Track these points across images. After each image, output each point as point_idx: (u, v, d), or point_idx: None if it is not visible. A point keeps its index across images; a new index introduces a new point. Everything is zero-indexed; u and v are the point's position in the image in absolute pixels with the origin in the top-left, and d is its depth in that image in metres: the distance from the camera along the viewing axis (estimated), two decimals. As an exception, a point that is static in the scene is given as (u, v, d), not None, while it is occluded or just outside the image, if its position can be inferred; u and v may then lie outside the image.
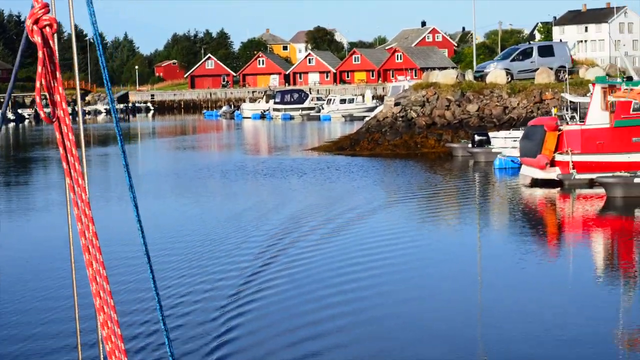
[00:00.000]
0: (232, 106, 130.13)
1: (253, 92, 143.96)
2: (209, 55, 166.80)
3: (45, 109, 3.57)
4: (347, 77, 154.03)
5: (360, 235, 26.27)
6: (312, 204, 32.92)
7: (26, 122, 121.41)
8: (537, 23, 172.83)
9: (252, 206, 32.88)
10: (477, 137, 46.74)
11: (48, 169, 51.83)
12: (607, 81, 37.53)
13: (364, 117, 78.77)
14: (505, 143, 45.14)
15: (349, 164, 47.28)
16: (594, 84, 37.67)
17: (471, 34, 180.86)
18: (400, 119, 54.65)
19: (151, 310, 17.46)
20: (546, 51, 58.60)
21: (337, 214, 30.16)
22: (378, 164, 47.04)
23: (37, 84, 3.37)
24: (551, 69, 56.42)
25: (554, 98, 51.95)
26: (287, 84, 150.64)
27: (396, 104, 56.21)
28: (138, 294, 18.88)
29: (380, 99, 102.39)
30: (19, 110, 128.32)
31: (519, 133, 42.66)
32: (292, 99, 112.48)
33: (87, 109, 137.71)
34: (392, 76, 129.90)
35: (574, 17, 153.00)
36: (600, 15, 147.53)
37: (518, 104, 53.78)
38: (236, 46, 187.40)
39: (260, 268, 21.74)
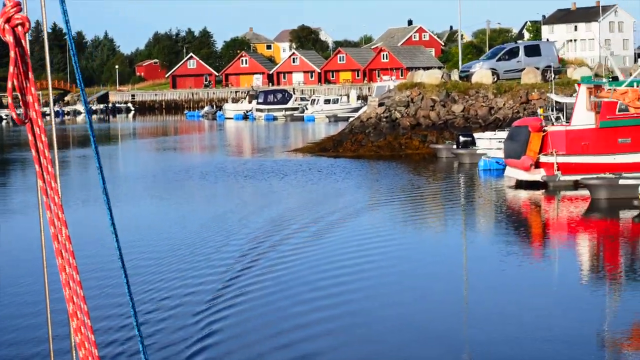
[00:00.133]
0: (214, 107, 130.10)
1: (236, 92, 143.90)
2: (191, 54, 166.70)
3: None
4: (332, 77, 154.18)
5: (342, 239, 26.31)
6: (293, 207, 33.00)
7: (4, 122, 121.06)
8: (526, 22, 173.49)
9: (231, 209, 32.91)
10: (461, 138, 46.91)
11: (26, 171, 51.75)
12: (592, 81, 37.74)
13: (349, 117, 78.89)
14: (491, 144, 45.31)
15: (332, 165, 47.39)
16: (579, 84, 37.87)
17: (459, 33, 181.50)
18: (384, 119, 54.80)
19: (127, 316, 17.38)
20: (533, 51, 58.86)
21: (319, 216, 30.22)
22: (361, 166, 47.17)
23: (9, 84, 3.31)
24: (538, 68, 56.66)
25: (541, 98, 52.18)
26: (270, 84, 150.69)
27: (380, 105, 56.37)
28: (113, 299, 18.83)
29: (365, 99, 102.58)
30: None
31: (504, 134, 42.84)
32: (275, 100, 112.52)
33: (67, 109, 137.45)
34: (378, 76, 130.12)
35: (564, 16, 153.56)
36: (590, 14, 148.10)
37: (504, 105, 54.01)
38: (219, 45, 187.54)
39: (239, 272, 21.74)
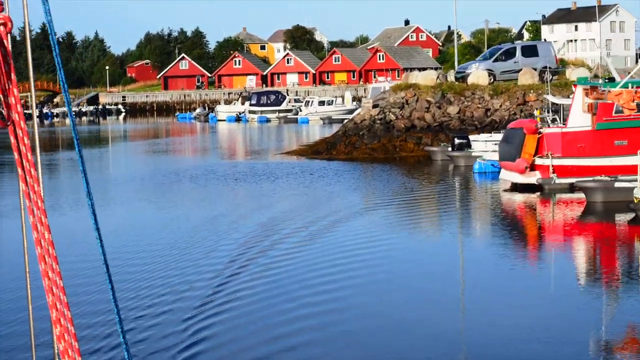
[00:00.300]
0: (207, 108, 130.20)
1: (229, 93, 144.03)
2: (183, 55, 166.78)
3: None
4: (327, 78, 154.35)
5: (333, 244, 26.31)
6: (283, 211, 33.07)
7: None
8: (526, 22, 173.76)
9: (220, 213, 32.96)
10: (457, 141, 47.02)
11: (14, 174, 51.77)
12: (588, 82, 37.86)
13: (344, 119, 78.98)
14: (486, 146, 45.42)
15: (324, 168, 47.49)
16: (575, 85, 38.00)
17: (457, 33, 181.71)
18: (379, 121, 54.92)
19: (113, 324, 17.32)
20: (530, 51, 59.00)
21: (309, 221, 30.28)
22: (354, 169, 47.28)
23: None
24: (535, 69, 56.79)
25: (538, 100, 52.30)
26: (264, 85, 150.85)
27: (374, 106, 56.50)
28: (99, 306, 18.80)
29: (361, 100, 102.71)
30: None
31: (500, 136, 42.94)
32: (268, 101, 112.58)
33: (56, 111, 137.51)
34: (375, 77, 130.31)
35: (564, 16, 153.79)
36: (591, 14, 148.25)
37: (500, 106, 54.16)
38: (212, 46, 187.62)
39: (228, 278, 21.75)
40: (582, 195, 32.55)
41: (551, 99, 42.22)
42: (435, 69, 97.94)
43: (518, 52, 58.47)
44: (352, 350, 16.11)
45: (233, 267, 22.97)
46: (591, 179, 32.40)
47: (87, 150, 70.90)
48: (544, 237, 28.29)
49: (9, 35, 3.33)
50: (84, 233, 26.98)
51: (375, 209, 33.51)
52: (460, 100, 54.74)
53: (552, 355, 15.24)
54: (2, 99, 3.36)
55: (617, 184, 31.33)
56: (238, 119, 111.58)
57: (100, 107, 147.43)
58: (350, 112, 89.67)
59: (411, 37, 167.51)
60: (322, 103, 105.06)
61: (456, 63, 73.67)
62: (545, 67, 56.70)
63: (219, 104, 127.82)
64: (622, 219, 29.10)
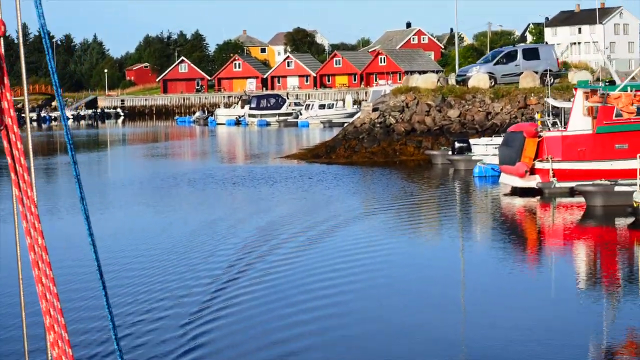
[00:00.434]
0: (206, 112, 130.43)
1: (229, 97, 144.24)
2: (182, 58, 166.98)
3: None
4: (328, 81, 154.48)
5: (331, 249, 26.37)
6: (281, 215, 33.21)
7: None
8: (529, 24, 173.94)
9: (218, 217, 33.08)
10: (457, 144, 47.18)
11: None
12: (589, 86, 38.01)
13: (344, 123, 79.14)
14: (487, 150, 45.60)
15: (323, 172, 47.66)
16: (576, 89, 38.15)
17: (460, 36, 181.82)
18: (379, 125, 55.10)
19: (108, 330, 17.07)
20: (531, 54, 59.07)
21: (308, 225, 30.37)
22: (354, 173, 47.45)
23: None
24: (536, 72, 56.88)
25: (539, 103, 52.45)
26: (264, 89, 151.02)
27: (374, 110, 56.68)
28: (94, 312, 18.79)
29: (361, 104, 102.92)
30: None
31: (500, 140, 43.11)
32: (268, 105, 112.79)
33: (54, 114, 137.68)
34: (376, 80, 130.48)
35: (567, 18, 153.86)
36: (594, 16, 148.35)
37: (501, 110, 54.32)
38: (212, 48, 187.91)
39: (225, 283, 21.77)
40: (582, 199, 32.71)
41: (552, 102, 42.34)
42: (437, 72, 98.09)
43: (519, 55, 58.54)
44: (352, 355, 16.26)
45: (231, 272, 23.00)
46: (591, 182, 32.55)
47: (85, 154, 71.15)
48: (543, 241, 28.45)
49: (1, 38, 3.34)
50: (81, 237, 27.00)
51: (374, 214, 33.64)
52: (461, 104, 54.90)
53: (552, 357, 15.44)
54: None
55: (617, 188, 31.47)
56: (238, 122, 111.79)
57: (98, 110, 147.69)
58: (351, 115, 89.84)
59: (413, 40, 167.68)
60: (322, 106, 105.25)
61: (457, 66, 73.76)
62: (548, 69, 56.73)
63: (219, 107, 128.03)
64: (622, 223, 29.24)
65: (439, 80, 57.69)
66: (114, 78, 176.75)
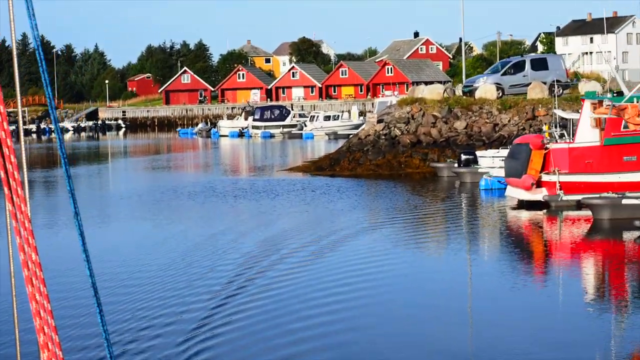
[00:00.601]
0: (209, 123, 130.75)
1: (232, 108, 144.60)
2: (185, 68, 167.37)
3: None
4: (334, 91, 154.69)
5: (334, 264, 26.42)
6: (283, 229, 33.31)
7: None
8: (540, 33, 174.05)
9: (217, 232, 33.13)
10: (463, 157, 47.28)
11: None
12: (596, 97, 38.07)
13: (350, 135, 79.27)
14: (493, 162, 45.64)
15: (327, 185, 47.79)
16: (583, 100, 38.22)
17: (469, 46, 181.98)
18: (384, 137, 55.24)
19: (104, 348, 17.47)
20: (539, 64, 59.11)
21: (309, 240, 30.44)
22: (357, 185, 47.57)
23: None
24: (545, 83, 56.94)
25: (547, 114, 52.52)
26: (269, 100, 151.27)
27: (379, 121, 56.83)
28: (89, 329, 18.80)
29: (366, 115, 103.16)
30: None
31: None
32: (272, 116, 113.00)
33: (53, 126, 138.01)
34: (383, 91, 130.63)
35: (579, 27, 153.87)
36: (607, 25, 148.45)
37: (509, 121, 54.41)
38: (215, 59, 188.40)
39: (224, 300, 21.80)
40: (589, 213, 32.77)
41: (560, 113, 42.41)
42: (445, 82, 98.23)
43: (527, 66, 58.56)
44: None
45: (230, 288, 22.99)
46: (597, 195, 32.61)
47: (85, 166, 71.44)
48: (548, 255, 28.57)
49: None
50: (78, 253, 27.06)
51: (378, 227, 33.72)
52: (468, 115, 55.02)
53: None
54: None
55: (624, 201, 31.53)
56: (241, 134, 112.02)
57: (99, 122, 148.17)
58: (357, 127, 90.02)
59: (421, 50, 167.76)
60: (327, 118, 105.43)
61: (464, 76, 73.85)
62: (557, 80, 56.71)
63: (222, 119, 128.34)
64: (629, 236, 29.29)
65: (445, 91, 57.80)
66: (116, 89, 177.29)
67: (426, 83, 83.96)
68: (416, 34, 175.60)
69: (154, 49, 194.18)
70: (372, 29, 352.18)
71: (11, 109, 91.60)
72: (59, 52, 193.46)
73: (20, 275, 3.41)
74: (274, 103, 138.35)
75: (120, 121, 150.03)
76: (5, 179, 3.35)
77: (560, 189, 35.60)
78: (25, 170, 3.65)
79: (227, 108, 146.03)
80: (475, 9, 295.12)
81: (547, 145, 36.63)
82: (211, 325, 19.45)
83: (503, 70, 58.33)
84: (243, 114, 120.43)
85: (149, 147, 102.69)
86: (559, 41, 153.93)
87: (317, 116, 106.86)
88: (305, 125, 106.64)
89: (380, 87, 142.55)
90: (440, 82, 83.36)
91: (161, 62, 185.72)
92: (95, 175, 63.72)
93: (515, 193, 37.51)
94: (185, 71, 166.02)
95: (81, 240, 3.68)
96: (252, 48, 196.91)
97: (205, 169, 66.62)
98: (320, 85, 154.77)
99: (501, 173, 41.16)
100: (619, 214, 31.37)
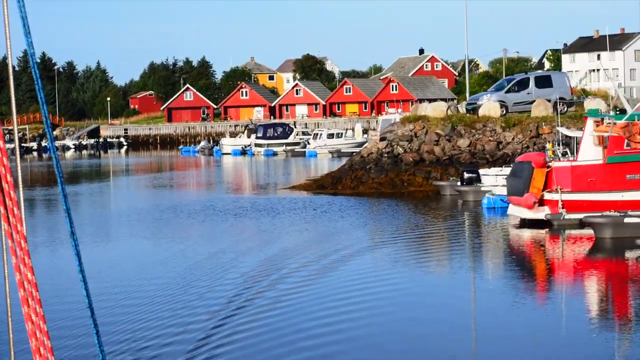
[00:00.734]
0: (211, 141, 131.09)
1: (235, 126, 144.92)
2: (188, 85, 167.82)
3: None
4: (338, 109, 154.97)
5: (335, 283, 26.61)
6: (284, 248, 33.48)
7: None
8: (547, 50, 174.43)
9: (217, 251, 33.24)
10: (466, 175, 47.44)
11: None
12: (599, 114, 38.26)
13: (353, 153, 79.44)
14: (497, 181, 45.80)
15: (328, 203, 47.97)
16: (586, 117, 38.41)
17: (474, 63, 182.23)
18: (386, 155, 55.43)
19: None
20: (544, 82, 59.25)
21: (311, 260, 30.53)
22: (359, 204, 47.75)
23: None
24: (549, 100, 57.12)
25: (552, 132, 52.68)
26: (272, 117, 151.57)
27: (382, 139, 57.03)
28: (86, 350, 18.89)
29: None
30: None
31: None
32: (275, 134, 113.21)
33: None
34: (387, 108, 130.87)
35: (586, 44, 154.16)
36: (614, 42, 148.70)
37: (513, 139, 54.60)
38: (218, 76, 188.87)
39: (223, 320, 21.89)
40: (591, 231, 32.92)
41: (563, 131, 42.56)
42: (448, 100, 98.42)
43: (531, 83, 58.72)
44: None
45: (229, 309, 23.06)
46: (599, 214, 32.76)
47: (86, 184, 71.70)
48: (550, 273, 28.71)
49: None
50: (70, 273, 27.16)
51: (380, 246, 33.91)
52: (471, 133, 55.22)
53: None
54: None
55: (626, 220, 31.68)
56: (244, 152, 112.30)
57: (101, 140, 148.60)
58: (360, 145, 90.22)
59: (426, 67, 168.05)
60: (331, 136, 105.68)
61: (467, 94, 74.05)
62: (561, 98, 56.84)
63: (225, 136, 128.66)
64: (631, 255, 29.45)
65: (448, 108, 58.01)
66: (118, 106, 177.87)
67: (431, 100, 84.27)
68: (421, 51, 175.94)
69: (156, 65, 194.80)
70: (376, 46, 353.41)
71: (11, 127, 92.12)
72: (61, 69, 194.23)
73: (16, 295, 3.43)
74: (277, 121, 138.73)
75: (122, 139, 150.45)
76: (1, 199, 3.37)
77: (563, 208, 35.73)
78: (21, 189, 3.63)
79: (230, 126, 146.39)
80: (481, 26, 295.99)
81: (550, 164, 36.79)
82: (210, 345, 19.55)
83: (507, 88, 58.51)
84: (246, 131, 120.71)
85: (151, 165, 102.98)
86: (565, 58, 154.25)
87: (321, 134, 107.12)
88: (309, 143, 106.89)
89: (385, 104, 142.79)
90: (444, 100, 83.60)
91: (164, 79, 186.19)
92: (96, 194, 64.01)
93: (517, 211, 37.67)
94: (187, 88, 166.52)
95: (77, 260, 3.67)
96: (255, 65, 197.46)
97: (207, 187, 66.82)
98: (324, 103, 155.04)
99: (504, 191, 41.34)
100: (621, 232, 31.51)
